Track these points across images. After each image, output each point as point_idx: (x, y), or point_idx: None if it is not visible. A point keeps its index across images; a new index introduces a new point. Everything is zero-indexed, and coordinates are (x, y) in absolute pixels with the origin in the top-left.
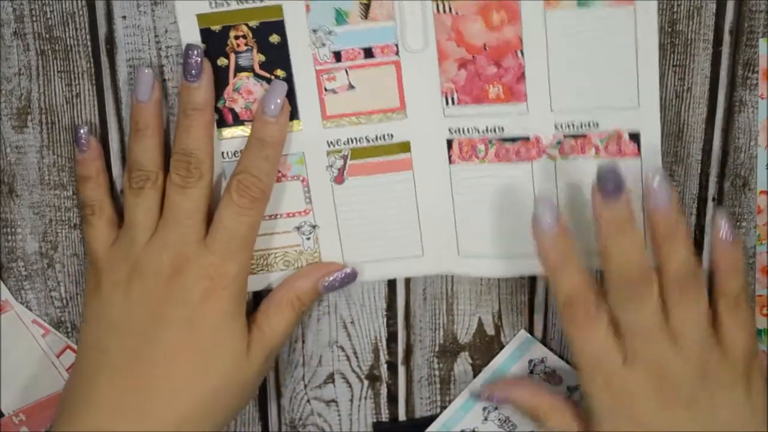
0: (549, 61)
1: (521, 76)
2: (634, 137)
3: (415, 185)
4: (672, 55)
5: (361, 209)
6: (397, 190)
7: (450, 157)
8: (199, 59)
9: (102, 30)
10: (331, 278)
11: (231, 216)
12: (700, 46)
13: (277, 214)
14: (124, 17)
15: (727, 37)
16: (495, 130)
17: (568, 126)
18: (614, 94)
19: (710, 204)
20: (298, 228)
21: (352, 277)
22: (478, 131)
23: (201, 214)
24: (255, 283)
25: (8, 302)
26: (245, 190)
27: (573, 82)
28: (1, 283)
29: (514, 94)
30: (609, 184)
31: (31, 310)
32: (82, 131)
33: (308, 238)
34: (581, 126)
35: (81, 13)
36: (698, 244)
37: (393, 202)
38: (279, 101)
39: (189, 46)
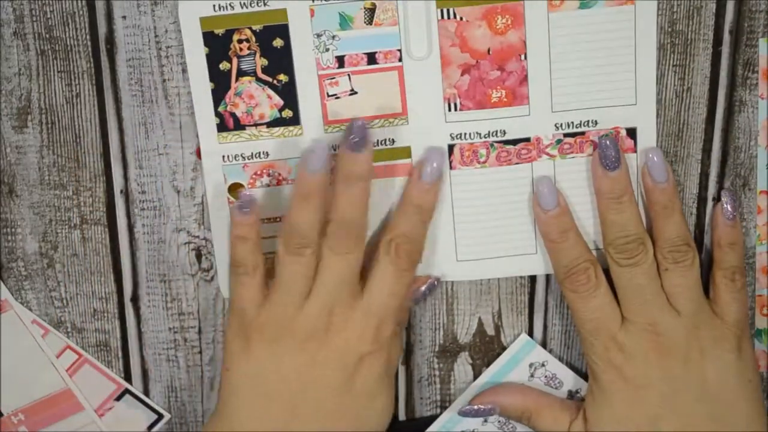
0: (551, 63)
1: (524, 79)
2: (631, 133)
3: None
4: (672, 55)
5: None
6: (396, 195)
7: (451, 162)
8: (366, 130)
9: (102, 30)
10: (422, 290)
11: (392, 278)
12: (700, 46)
13: (278, 217)
14: (124, 17)
15: (727, 37)
16: (497, 134)
17: (568, 125)
18: (613, 92)
19: (710, 204)
20: None
21: (437, 285)
22: (480, 135)
23: (357, 277)
24: None
25: (8, 302)
26: (405, 253)
27: (574, 82)
28: (1, 283)
29: (516, 97)
30: (611, 156)
31: (31, 310)
32: (244, 195)
33: None
34: (581, 125)
35: (81, 13)
36: (698, 243)
37: (392, 208)
38: (436, 168)
39: (355, 120)
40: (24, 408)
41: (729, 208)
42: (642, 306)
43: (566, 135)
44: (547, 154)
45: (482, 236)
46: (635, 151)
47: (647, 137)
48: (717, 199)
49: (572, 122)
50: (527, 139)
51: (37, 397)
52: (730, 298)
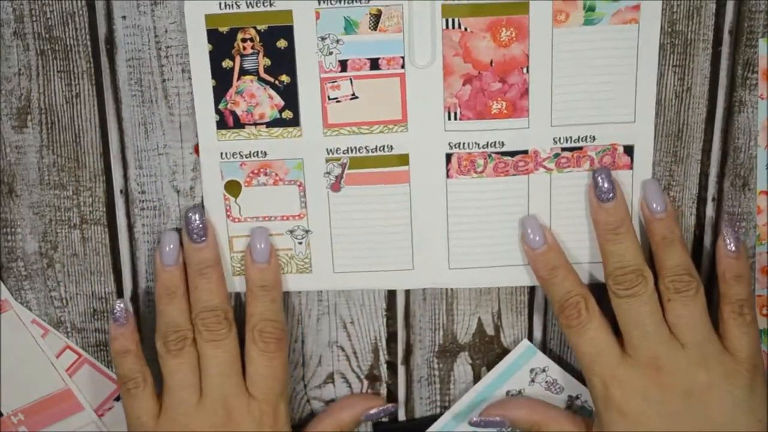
0: (553, 78)
1: (525, 92)
2: (628, 150)
3: (411, 199)
4: (672, 56)
5: (355, 218)
6: (392, 202)
7: (448, 171)
8: (202, 221)
9: (102, 30)
10: (374, 411)
11: (264, 364)
12: (700, 46)
13: (271, 216)
14: (124, 17)
15: (726, 37)
16: (495, 145)
17: (566, 139)
18: (612, 108)
19: (710, 204)
20: (291, 231)
21: (392, 410)
22: (478, 146)
23: (238, 361)
24: (242, 285)
25: (8, 302)
26: (268, 336)
27: (574, 97)
28: (1, 283)
29: (516, 109)
30: (604, 188)
31: (30, 310)
32: (118, 307)
33: (300, 243)
34: (579, 139)
35: (81, 13)
36: (698, 242)
37: (387, 214)
38: (264, 246)
39: (189, 210)
40: (24, 408)
41: (731, 243)
42: (642, 338)
43: (564, 149)
44: (544, 167)
45: (476, 245)
46: (631, 168)
47: (644, 155)
48: (716, 200)
49: (570, 137)
50: (525, 152)
51: (37, 397)
52: (739, 333)
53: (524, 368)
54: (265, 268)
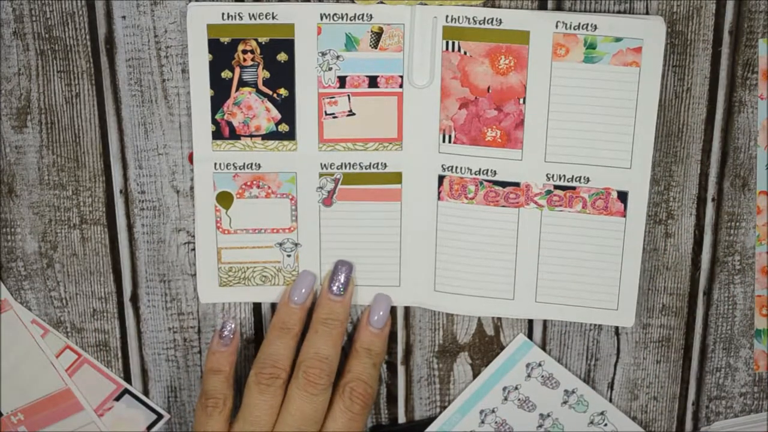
0: (549, 112)
1: (520, 123)
2: (622, 196)
3: (402, 217)
4: (672, 56)
5: (345, 233)
6: (383, 219)
7: (439, 193)
8: (347, 278)
9: (102, 30)
10: None
11: (346, 423)
12: (700, 47)
13: (261, 229)
14: (123, 17)
15: (726, 38)
16: (487, 173)
17: (560, 177)
18: (608, 152)
19: (710, 204)
20: (281, 244)
21: None
22: (471, 171)
23: (320, 422)
24: (229, 296)
25: (7, 302)
26: (359, 397)
27: (570, 135)
28: (1, 283)
29: (510, 140)
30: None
31: (30, 309)
32: (229, 327)
33: (289, 255)
34: (572, 179)
35: (81, 13)
36: (698, 243)
37: (377, 230)
38: (384, 314)
39: (339, 263)
40: (23, 408)
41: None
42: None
43: (557, 187)
44: (536, 203)
45: (462, 271)
46: (624, 216)
47: (638, 203)
48: (716, 200)
49: (564, 175)
50: (517, 184)
51: (37, 397)
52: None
53: (520, 363)
54: (378, 334)
